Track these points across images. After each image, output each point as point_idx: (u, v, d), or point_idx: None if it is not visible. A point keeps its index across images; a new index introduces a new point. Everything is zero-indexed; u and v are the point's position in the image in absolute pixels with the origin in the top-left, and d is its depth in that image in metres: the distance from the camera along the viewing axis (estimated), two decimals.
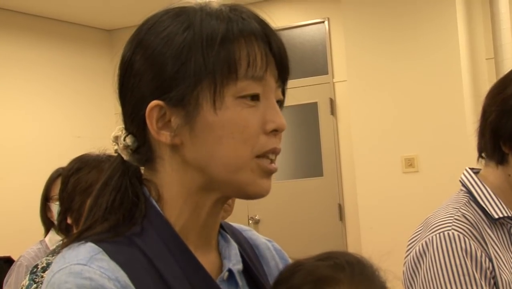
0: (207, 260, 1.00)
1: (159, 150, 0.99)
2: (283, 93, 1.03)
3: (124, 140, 1.00)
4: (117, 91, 1.01)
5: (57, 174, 3.00)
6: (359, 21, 5.42)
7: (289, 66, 1.01)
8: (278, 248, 1.19)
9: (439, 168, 5.10)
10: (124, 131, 1.01)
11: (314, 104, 6.20)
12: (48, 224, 3.06)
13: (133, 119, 0.99)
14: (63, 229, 2.14)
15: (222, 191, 0.98)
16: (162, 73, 0.95)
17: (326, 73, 6.18)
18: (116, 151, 1.02)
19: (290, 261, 1.16)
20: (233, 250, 1.05)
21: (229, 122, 0.94)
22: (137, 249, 0.93)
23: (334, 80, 6.12)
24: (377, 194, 5.31)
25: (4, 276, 3.06)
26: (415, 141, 5.22)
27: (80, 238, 0.95)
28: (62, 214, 2.11)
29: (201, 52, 0.94)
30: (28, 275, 2.08)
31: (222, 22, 0.95)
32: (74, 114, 6.47)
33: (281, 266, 1.14)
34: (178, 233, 0.97)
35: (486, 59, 5.41)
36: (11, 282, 2.91)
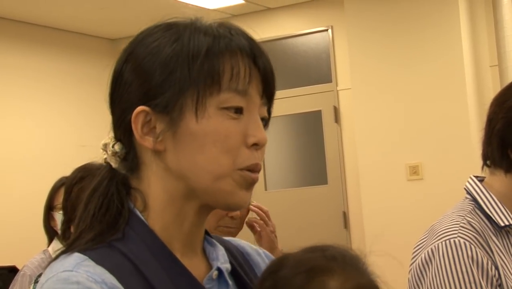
0: (193, 265, 1.02)
1: (144, 156, 1.01)
2: (269, 112, 1.05)
3: (113, 147, 1.03)
4: (108, 100, 1.04)
5: (61, 183, 2.99)
6: (362, 29, 5.42)
7: (274, 84, 1.03)
8: (268, 254, 1.20)
9: (443, 175, 5.09)
10: (113, 139, 1.04)
11: (318, 113, 6.19)
12: (51, 233, 3.05)
13: (120, 125, 1.02)
14: (67, 238, 2.14)
15: (203, 200, 1.00)
16: (150, 81, 0.98)
17: (330, 81, 6.17)
18: (105, 160, 1.05)
19: None
20: (220, 251, 1.07)
21: (211, 132, 0.97)
22: (121, 255, 0.95)
23: (338, 88, 6.12)
24: (382, 202, 5.30)
25: (9, 286, 3.06)
26: (419, 148, 5.21)
27: (68, 249, 0.97)
28: (66, 223, 2.11)
29: (187, 63, 0.97)
30: (32, 285, 2.09)
31: (210, 37, 0.99)
32: (78, 123, 6.48)
33: None
34: (163, 239, 0.99)
35: (490, 66, 5.40)
36: None
